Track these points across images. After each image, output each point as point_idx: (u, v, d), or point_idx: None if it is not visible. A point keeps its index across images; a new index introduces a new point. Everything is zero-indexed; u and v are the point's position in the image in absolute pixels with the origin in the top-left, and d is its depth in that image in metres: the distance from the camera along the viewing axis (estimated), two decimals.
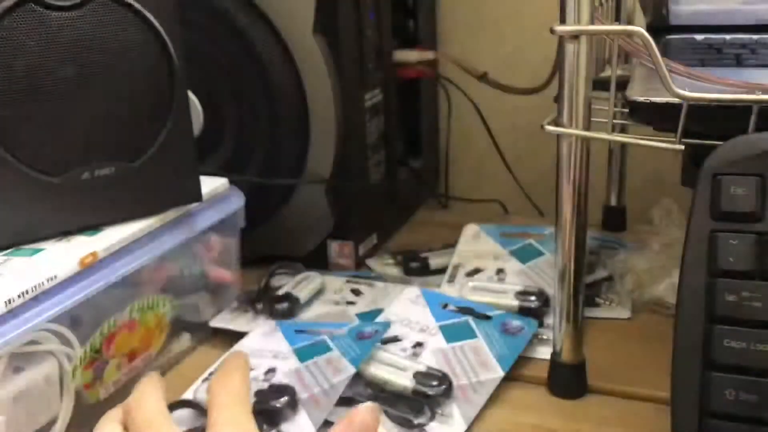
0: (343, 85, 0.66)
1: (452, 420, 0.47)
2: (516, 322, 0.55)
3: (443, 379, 0.50)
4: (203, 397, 0.49)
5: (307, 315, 0.62)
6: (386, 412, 0.48)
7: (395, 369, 0.51)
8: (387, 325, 0.55)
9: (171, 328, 0.56)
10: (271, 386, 0.49)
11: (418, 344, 0.53)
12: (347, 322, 0.58)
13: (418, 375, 0.50)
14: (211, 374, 0.53)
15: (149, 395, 0.40)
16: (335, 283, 0.67)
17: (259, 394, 0.48)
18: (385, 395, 0.50)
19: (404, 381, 0.50)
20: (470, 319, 0.55)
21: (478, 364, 0.51)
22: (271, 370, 0.52)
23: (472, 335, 0.54)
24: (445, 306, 0.58)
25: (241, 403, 0.40)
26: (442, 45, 0.88)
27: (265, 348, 0.55)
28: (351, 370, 0.49)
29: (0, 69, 0.44)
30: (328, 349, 0.52)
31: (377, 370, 0.51)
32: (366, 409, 0.38)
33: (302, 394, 0.48)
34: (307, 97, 0.66)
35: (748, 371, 0.36)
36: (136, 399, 0.40)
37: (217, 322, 0.60)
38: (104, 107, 0.48)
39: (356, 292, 0.66)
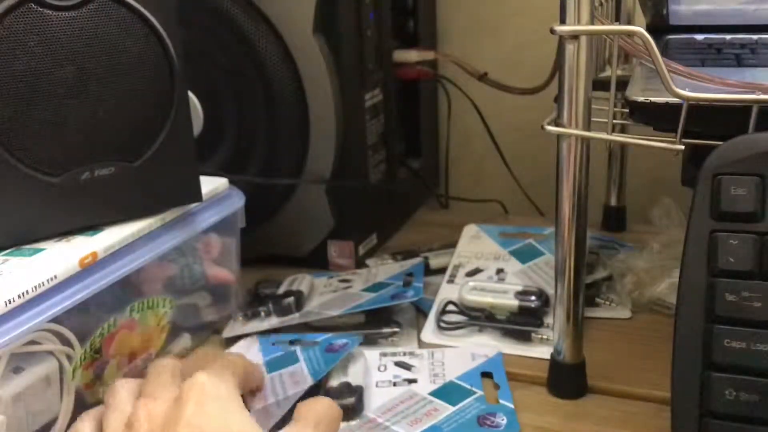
0: (343, 85, 0.66)
1: None
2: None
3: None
4: None
5: (313, 304, 0.62)
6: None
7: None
8: (358, 340, 0.55)
9: (171, 328, 0.56)
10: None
11: None
12: (321, 333, 0.57)
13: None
14: None
15: (169, 359, 0.44)
16: (321, 280, 0.68)
17: None
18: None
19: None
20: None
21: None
22: None
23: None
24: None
25: (228, 369, 0.42)
26: (442, 45, 0.88)
27: None
28: (309, 382, 0.49)
29: (0, 69, 0.44)
30: (295, 360, 0.52)
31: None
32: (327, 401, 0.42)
33: (257, 405, 0.48)
34: (307, 97, 0.66)
35: (748, 371, 0.36)
36: (155, 362, 0.43)
37: (229, 332, 0.60)
38: (104, 107, 0.48)
39: (345, 281, 0.67)
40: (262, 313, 0.61)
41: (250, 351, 0.56)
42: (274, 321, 0.60)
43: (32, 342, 0.43)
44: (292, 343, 0.56)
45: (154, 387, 0.40)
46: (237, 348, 0.57)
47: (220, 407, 0.38)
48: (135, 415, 0.38)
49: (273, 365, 0.53)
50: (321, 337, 0.56)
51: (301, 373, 0.51)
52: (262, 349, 0.56)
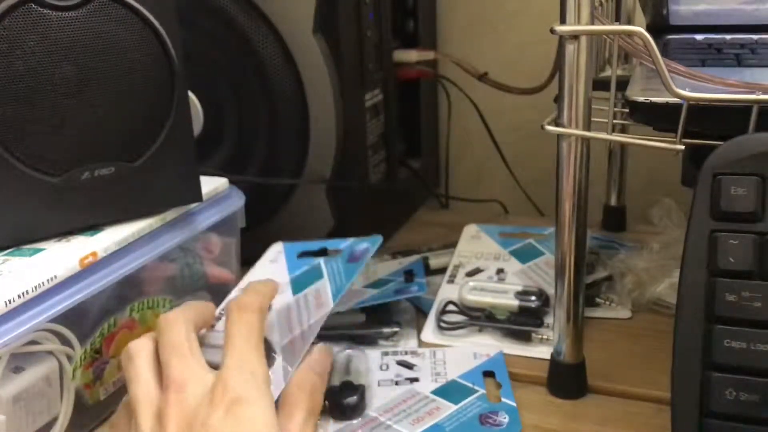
0: (343, 85, 0.66)
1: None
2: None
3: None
4: None
5: None
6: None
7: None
8: (377, 240, 0.55)
9: None
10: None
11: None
12: (343, 240, 0.56)
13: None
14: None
15: (179, 318, 0.43)
16: None
17: None
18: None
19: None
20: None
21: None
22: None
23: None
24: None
25: (253, 340, 0.42)
26: (442, 45, 0.88)
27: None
28: (329, 306, 0.48)
29: (0, 69, 0.44)
30: (320, 275, 0.52)
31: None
32: (318, 348, 0.46)
33: (283, 340, 0.47)
34: (307, 97, 0.66)
35: (748, 371, 0.36)
36: (167, 319, 0.43)
37: None
38: (104, 107, 0.48)
39: None
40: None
41: (278, 265, 0.55)
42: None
43: (32, 342, 0.43)
44: (317, 253, 0.55)
45: (178, 369, 0.40)
46: (265, 264, 0.56)
47: (248, 411, 0.38)
48: (166, 411, 0.38)
49: (299, 284, 0.52)
50: (344, 244, 0.55)
51: (325, 293, 0.50)
52: (288, 264, 0.55)
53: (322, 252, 0.55)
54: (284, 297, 0.51)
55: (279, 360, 0.45)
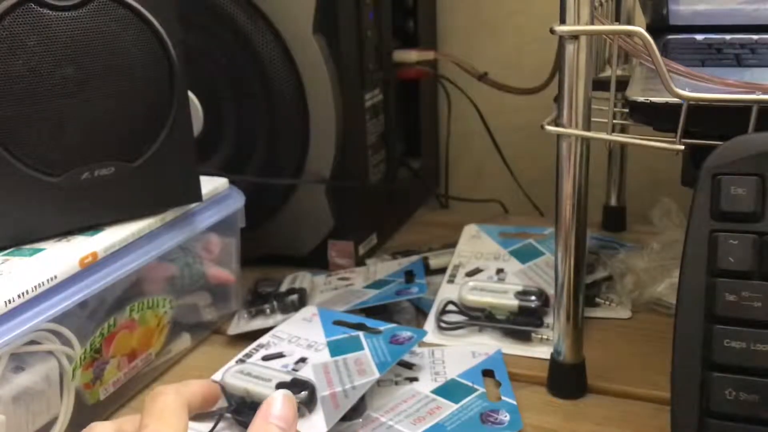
0: (343, 85, 0.66)
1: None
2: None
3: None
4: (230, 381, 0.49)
5: (316, 302, 0.63)
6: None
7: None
8: (423, 333, 0.55)
9: (171, 328, 0.56)
10: (294, 380, 0.49)
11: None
12: (382, 322, 0.57)
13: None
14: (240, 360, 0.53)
15: (170, 391, 0.38)
16: (320, 278, 0.68)
17: (280, 386, 0.48)
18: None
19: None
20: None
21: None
22: (302, 360, 0.52)
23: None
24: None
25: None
26: (442, 45, 0.88)
27: (302, 335, 0.55)
28: (375, 375, 0.49)
29: (0, 69, 0.44)
30: (360, 347, 0.52)
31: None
32: (281, 399, 0.37)
33: (323, 392, 0.48)
34: (307, 97, 0.66)
35: (748, 371, 0.36)
36: (156, 392, 0.38)
37: (234, 330, 0.60)
38: (104, 107, 0.48)
39: (344, 279, 0.67)
40: (267, 310, 0.61)
41: (312, 325, 0.56)
42: (278, 318, 0.60)
43: (32, 342, 0.43)
44: (354, 326, 0.56)
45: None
46: (298, 321, 0.57)
47: None
48: None
49: (336, 348, 0.53)
50: (384, 326, 0.55)
51: (367, 363, 0.50)
52: (324, 327, 0.56)
53: (359, 326, 0.56)
54: (322, 355, 0.52)
55: (320, 411, 0.46)
